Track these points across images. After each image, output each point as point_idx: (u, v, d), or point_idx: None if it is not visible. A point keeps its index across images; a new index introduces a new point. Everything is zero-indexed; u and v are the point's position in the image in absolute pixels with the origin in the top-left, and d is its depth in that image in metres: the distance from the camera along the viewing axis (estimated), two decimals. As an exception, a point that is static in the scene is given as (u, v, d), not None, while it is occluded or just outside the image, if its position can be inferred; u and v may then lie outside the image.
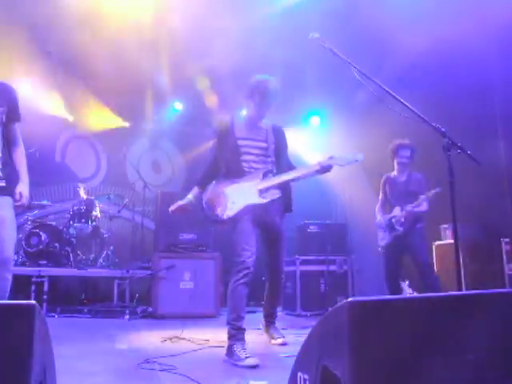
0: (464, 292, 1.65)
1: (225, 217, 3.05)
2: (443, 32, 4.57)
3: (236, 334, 2.98)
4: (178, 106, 7.98)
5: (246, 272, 3.01)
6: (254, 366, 2.71)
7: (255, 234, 3.13)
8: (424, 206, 4.36)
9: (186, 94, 7.78)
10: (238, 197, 3.08)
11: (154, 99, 7.92)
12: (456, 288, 2.19)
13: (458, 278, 2.21)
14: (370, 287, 6.02)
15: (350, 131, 6.89)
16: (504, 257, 4.47)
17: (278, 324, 3.70)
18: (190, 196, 3.38)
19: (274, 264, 3.42)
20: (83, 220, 6.09)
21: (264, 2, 5.40)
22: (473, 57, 4.59)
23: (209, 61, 5.94)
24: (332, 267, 5.80)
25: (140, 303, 5.67)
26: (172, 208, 3.42)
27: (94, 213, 6.26)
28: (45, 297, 5.07)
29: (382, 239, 4.63)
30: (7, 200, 2.58)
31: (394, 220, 4.49)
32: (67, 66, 6.72)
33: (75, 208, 6.15)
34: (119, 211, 6.71)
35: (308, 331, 1.31)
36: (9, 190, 2.59)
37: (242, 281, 3.01)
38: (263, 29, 5.42)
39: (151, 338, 3.80)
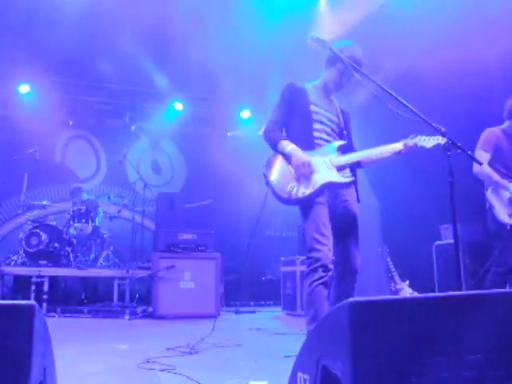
0: (464, 292, 1.65)
1: (300, 195, 2.55)
2: (444, 34, 4.58)
3: None
4: (179, 106, 7.98)
5: (322, 270, 2.49)
6: None
7: (331, 223, 2.62)
8: None
9: (187, 94, 7.79)
10: (314, 172, 2.61)
11: (154, 99, 7.93)
12: (456, 288, 2.19)
13: (457, 278, 2.21)
14: (370, 287, 6.01)
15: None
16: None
17: (278, 324, 3.66)
18: (295, 149, 2.65)
19: (344, 260, 2.70)
20: (83, 220, 6.09)
21: (263, 3, 5.42)
22: (474, 57, 4.59)
23: (208, 60, 5.93)
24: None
25: (140, 303, 5.67)
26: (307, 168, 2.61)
27: (95, 213, 6.26)
28: (45, 297, 5.07)
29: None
30: None
31: None
32: (67, 67, 6.72)
33: (75, 208, 6.15)
34: (119, 211, 6.71)
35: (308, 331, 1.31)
36: None
37: (319, 281, 2.48)
38: (263, 28, 5.43)
39: (151, 338, 3.81)
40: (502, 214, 3.45)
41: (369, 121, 6.31)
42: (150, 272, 5.29)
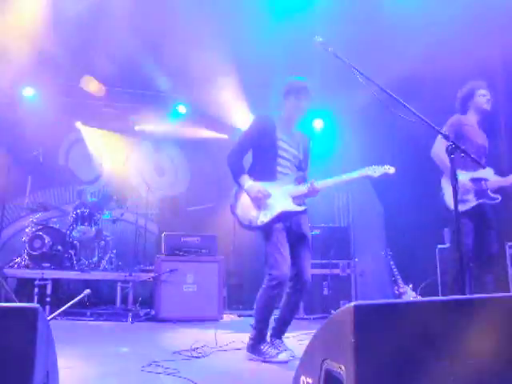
0: (468, 296, 1.64)
1: (259, 223, 2.96)
2: (446, 34, 4.58)
3: (262, 337, 3.05)
4: (182, 109, 7.98)
5: (281, 287, 2.96)
6: (287, 361, 2.84)
7: (288, 243, 3.03)
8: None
9: (190, 97, 7.80)
10: (272, 202, 2.99)
11: (157, 102, 7.95)
12: (460, 292, 2.18)
13: (461, 281, 2.20)
14: (373, 291, 5.99)
15: (352, 134, 6.88)
16: (508, 261, 4.44)
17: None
18: (253, 183, 3.04)
19: (299, 274, 3.07)
20: (86, 223, 6.10)
21: (266, 4, 5.43)
22: (475, 56, 4.58)
23: (211, 63, 5.94)
24: (335, 271, 5.78)
25: (143, 306, 5.67)
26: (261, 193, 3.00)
27: (98, 216, 6.26)
28: (48, 299, 5.08)
29: (463, 202, 3.39)
30: None
31: (485, 184, 3.47)
32: (71, 70, 6.74)
33: (78, 211, 6.16)
34: (122, 214, 6.71)
35: (311, 335, 1.30)
36: None
37: (275, 295, 2.99)
38: (266, 30, 5.43)
39: (154, 341, 3.80)
40: (450, 200, 3.30)
41: (371, 124, 6.31)
42: (152, 275, 5.29)
